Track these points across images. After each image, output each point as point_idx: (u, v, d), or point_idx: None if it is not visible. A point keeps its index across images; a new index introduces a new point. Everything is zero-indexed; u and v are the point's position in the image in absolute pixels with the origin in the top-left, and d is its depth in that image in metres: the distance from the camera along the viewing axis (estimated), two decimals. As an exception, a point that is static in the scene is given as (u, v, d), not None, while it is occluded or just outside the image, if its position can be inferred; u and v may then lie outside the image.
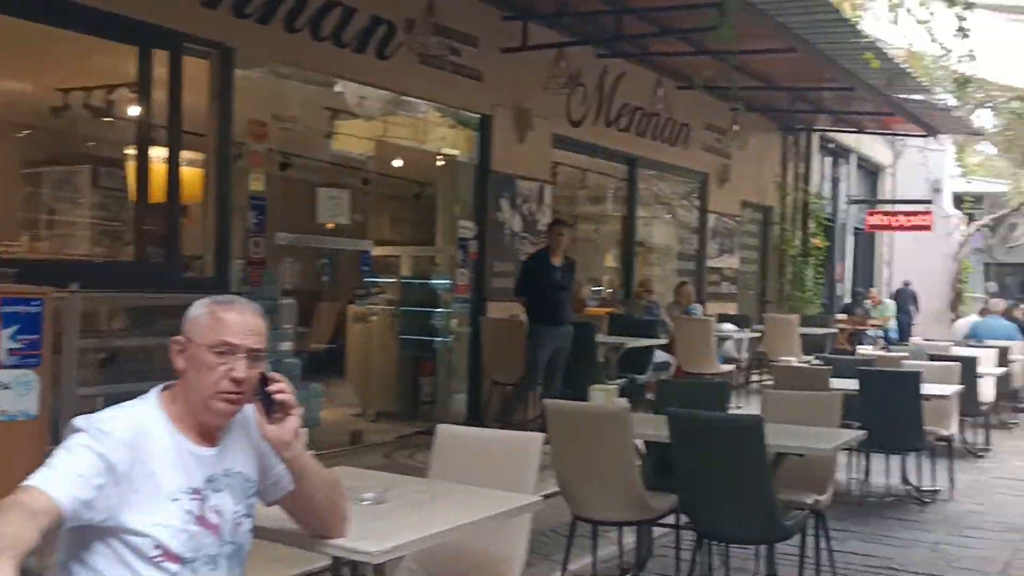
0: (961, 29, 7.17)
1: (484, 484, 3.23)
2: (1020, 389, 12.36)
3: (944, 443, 7.90)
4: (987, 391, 9.97)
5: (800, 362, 12.26)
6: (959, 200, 20.47)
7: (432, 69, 8.17)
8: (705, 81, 7.65)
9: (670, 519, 5.09)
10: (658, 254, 12.36)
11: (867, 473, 7.87)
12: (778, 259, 14.69)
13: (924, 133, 13.61)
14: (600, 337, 9.17)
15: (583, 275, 11.31)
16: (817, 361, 9.24)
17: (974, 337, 13.67)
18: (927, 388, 7.39)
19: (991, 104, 14.15)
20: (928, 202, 17.29)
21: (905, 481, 7.88)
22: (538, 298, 8.14)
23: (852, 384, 7.29)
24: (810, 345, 13.39)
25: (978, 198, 20.79)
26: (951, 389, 7.73)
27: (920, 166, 18.13)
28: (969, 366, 9.22)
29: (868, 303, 17.49)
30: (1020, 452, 10.20)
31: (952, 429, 7.98)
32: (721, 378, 11.09)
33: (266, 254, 7.11)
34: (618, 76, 10.67)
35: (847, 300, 17.64)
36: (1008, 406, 12.07)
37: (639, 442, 5.15)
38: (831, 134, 16.01)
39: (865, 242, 19.81)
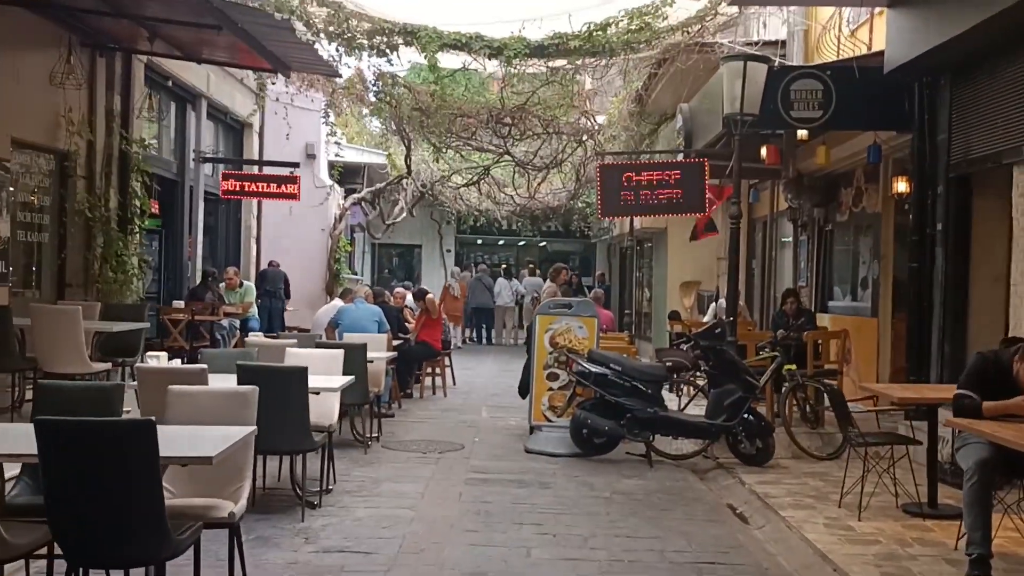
0: None
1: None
2: (382, 392, 9.88)
3: (225, 527, 4.59)
4: (328, 413, 7.08)
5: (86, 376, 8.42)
6: (337, 170, 18.27)
7: None
8: None
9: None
10: None
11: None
12: (85, 227, 10.56)
13: (271, 68, 10.52)
14: None
15: None
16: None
17: (338, 326, 11.06)
18: (205, 441, 4.03)
19: (352, 38, 11.54)
20: (295, 165, 14.48)
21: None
22: None
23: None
24: (119, 347, 9.59)
25: (357, 168, 18.80)
26: (238, 437, 4.41)
27: (289, 125, 15.34)
28: (294, 383, 6.20)
29: (223, 286, 14.18)
30: (370, 489, 7.47)
31: (241, 501, 4.69)
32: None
33: None
34: None
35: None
36: (366, 411, 9.53)
37: None
38: (170, 69, 12.30)
39: (230, 212, 16.54)
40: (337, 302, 11.96)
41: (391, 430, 10.14)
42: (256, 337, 9.98)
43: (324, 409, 7.15)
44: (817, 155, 10.22)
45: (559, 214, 21.65)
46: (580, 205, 21.46)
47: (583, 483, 7.89)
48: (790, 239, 14.30)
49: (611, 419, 8.64)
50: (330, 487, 7.22)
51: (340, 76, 12.71)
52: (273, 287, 15.65)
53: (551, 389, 9.31)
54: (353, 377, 7.28)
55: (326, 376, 7.27)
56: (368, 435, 9.35)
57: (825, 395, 8.77)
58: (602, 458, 8.80)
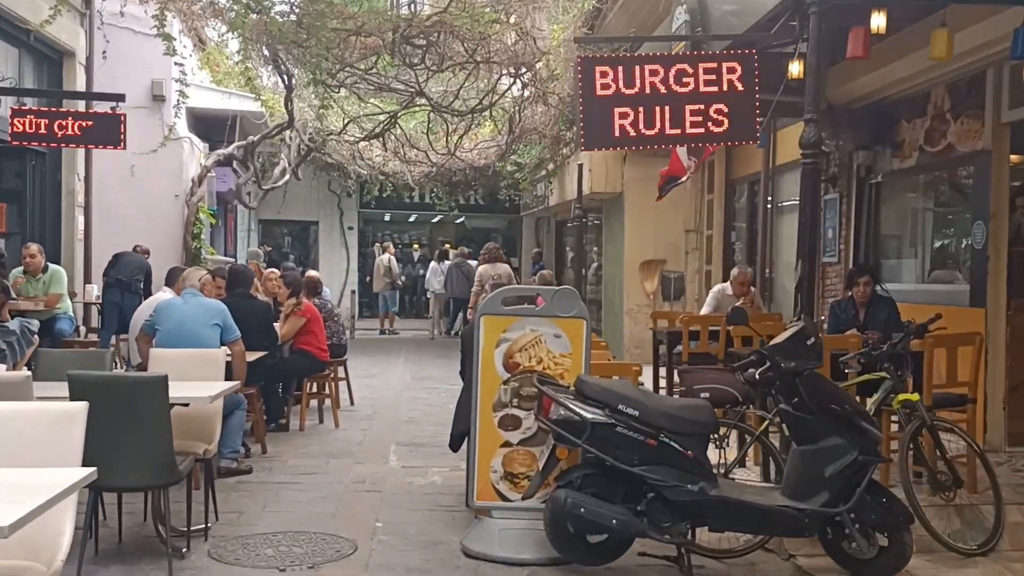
0: None
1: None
2: (215, 449, 5.82)
3: None
4: (44, 545, 3.09)
5: None
6: (199, 121, 14.00)
7: None
8: None
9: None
10: None
11: None
12: None
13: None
14: None
15: None
16: None
17: (154, 333, 6.95)
18: None
19: None
20: (119, 98, 10.16)
21: None
22: None
23: None
24: None
25: (226, 118, 14.53)
26: None
27: (108, 40, 11.04)
28: None
29: (20, 272, 9.94)
30: None
31: None
32: None
33: None
34: None
35: None
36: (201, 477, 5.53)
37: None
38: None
39: (46, 172, 12.15)
40: (162, 294, 7.82)
41: (238, 507, 6.13)
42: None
43: (36, 540, 3.17)
44: (934, 44, 6.44)
45: (486, 176, 17.65)
46: (511, 167, 17.51)
47: (585, 650, 4.02)
48: (795, 200, 10.62)
49: (620, 502, 4.77)
50: None
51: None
52: (127, 276, 11.24)
53: (507, 444, 5.35)
54: (93, 471, 3.23)
55: (40, 461, 3.25)
56: (188, 528, 5.33)
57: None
58: (602, 569, 4.96)
